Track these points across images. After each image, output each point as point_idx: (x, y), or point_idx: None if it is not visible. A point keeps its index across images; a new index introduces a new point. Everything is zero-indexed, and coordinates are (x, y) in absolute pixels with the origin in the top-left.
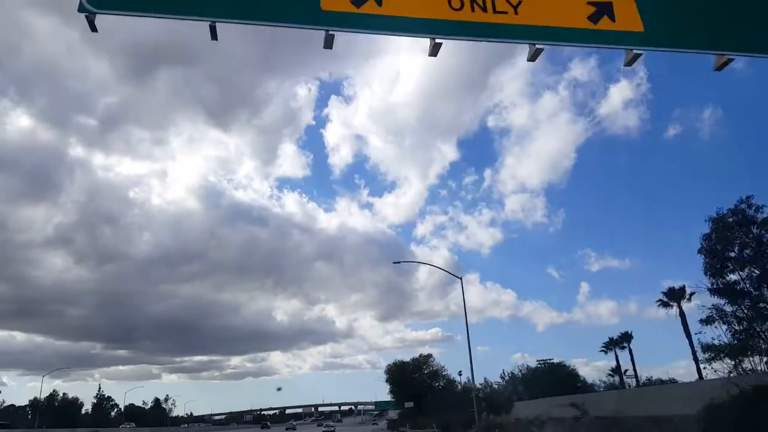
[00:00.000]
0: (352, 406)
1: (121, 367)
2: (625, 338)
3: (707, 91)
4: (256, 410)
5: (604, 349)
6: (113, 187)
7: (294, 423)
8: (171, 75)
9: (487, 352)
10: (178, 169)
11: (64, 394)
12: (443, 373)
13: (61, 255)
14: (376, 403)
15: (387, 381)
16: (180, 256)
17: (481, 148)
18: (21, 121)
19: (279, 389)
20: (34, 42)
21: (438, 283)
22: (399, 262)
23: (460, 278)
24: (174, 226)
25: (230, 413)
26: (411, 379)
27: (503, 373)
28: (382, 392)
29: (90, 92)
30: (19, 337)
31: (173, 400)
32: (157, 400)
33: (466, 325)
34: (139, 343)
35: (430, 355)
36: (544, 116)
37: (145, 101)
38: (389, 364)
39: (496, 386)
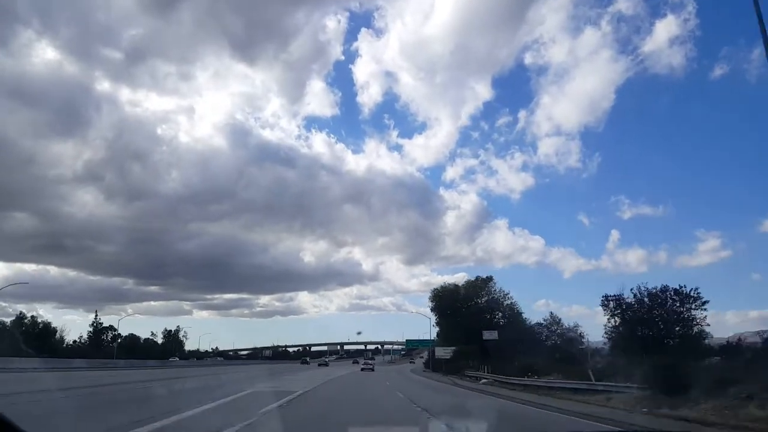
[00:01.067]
0: (378, 346)
1: (153, 303)
2: None
3: (758, 27)
4: (282, 346)
5: None
6: (141, 123)
7: (326, 359)
8: (195, 5)
9: (510, 298)
10: (205, 105)
11: (32, 316)
12: (507, 303)
13: (92, 191)
14: (408, 341)
15: (432, 309)
16: (209, 195)
17: (516, 87)
18: (46, 54)
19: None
20: None
21: (466, 228)
22: None
23: None
24: (202, 164)
25: (254, 348)
26: (464, 308)
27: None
28: (410, 332)
29: (114, 24)
30: (53, 271)
31: (185, 332)
32: (169, 333)
33: None
34: (171, 279)
35: (490, 278)
36: (584, 53)
37: (170, 34)
38: (436, 288)
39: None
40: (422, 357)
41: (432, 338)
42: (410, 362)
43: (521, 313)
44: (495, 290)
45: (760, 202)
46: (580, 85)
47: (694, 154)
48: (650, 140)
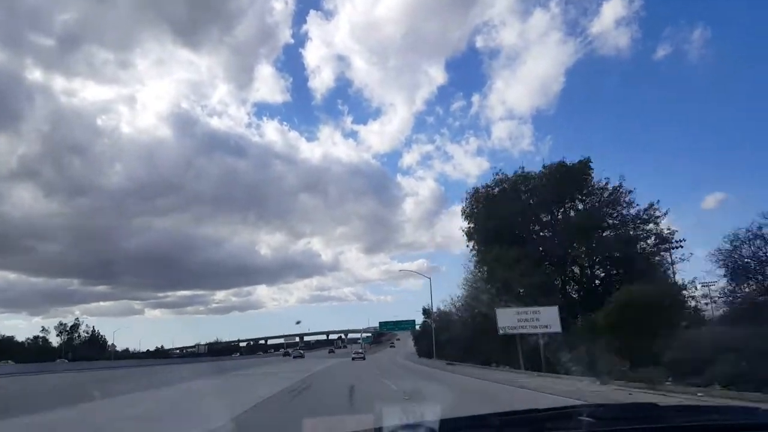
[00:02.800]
0: (342, 335)
1: (102, 303)
2: None
3: (699, 6)
4: (234, 341)
5: None
6: (79, 114)
7: (301, 351)
8: None
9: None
10: (148, 94)
11: None
12: (637, 209)
13: (29, 188)
14: (381, 323)
15: (470, 236)
16: (156, 188)
17: (469, 71)
18: None
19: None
20: None
21: (424, 215)
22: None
23: None
24: (147, 156)
25: (197, 345)
26: (540, 225)
27: None
28: (375, 320)
29: (44, 7)
30: None
31: (87, 326)
32: (65, 328)
33: None
34: (120, 278)
35: (586, 162)
36: (534, 36)
37: (106, 18)
38: (476, 189)
39: None
40: (399, 340)
41: (411, 319)
42: (391, 347)
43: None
44: (596, 185)
45: (702, 179)
46: (531, 67)
47: (640, 134)
48: (598, 121)
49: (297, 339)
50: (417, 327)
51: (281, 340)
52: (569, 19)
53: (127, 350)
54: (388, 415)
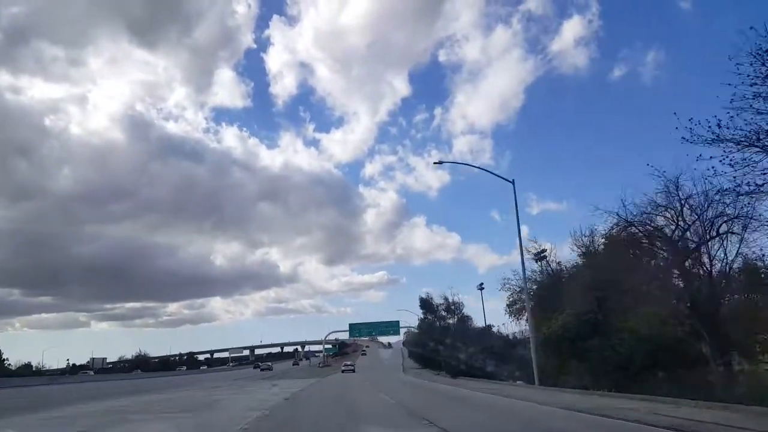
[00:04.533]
0: (298, 347)
1: (44, 315)
2: None
3: (654, 29)
4: (175, 355)
5: None
6: (25, 113)
7: (270, 364)
8: None
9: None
10: (100, 94)
11: None
12: None
13: None
14: (351, 326)
15: None
16: (106, 194)
17: (432, 84)
18: None
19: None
20: None
21: (385, 226)
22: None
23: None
24: (98, 159)
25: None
26: None
27: None
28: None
29: None
30: None
31: None
32: None
33: None
34: (64, 288)
35: None
36: (496, 52)
37: (58, 13)
38: None
39: None
40: (368, 347)
41: (394, 320)
42: (362, 354)
43: None
44: None
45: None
46: (492, 83)
47: (594, 151)
48: (555, 138)
49: (246, 352)
50: (403, 330)
51: (226, 354)
52: (530, 36)
53: (28, 365)
54: None
